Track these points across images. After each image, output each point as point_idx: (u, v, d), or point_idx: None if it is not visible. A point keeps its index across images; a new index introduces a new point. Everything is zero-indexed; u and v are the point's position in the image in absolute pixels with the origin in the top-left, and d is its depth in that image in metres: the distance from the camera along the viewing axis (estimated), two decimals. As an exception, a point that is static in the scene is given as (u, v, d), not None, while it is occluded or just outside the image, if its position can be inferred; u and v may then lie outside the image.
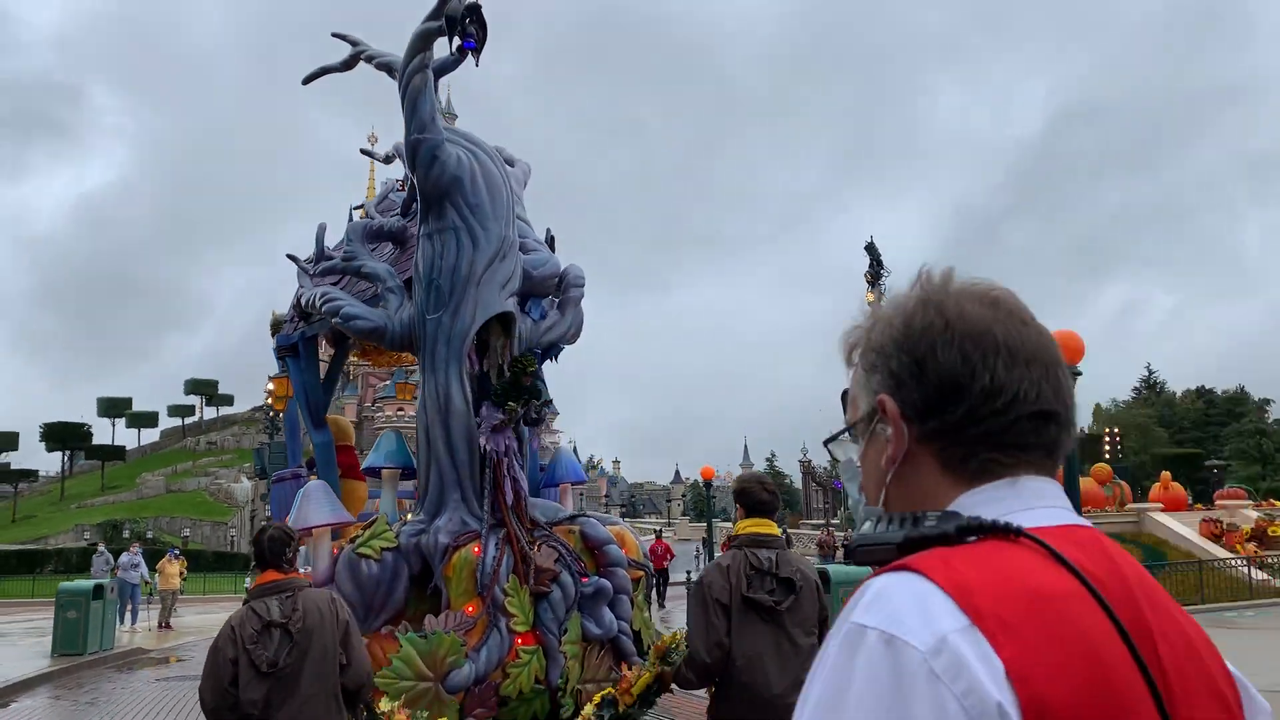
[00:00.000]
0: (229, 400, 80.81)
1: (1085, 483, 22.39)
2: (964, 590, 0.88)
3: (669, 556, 28.40)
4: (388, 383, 76.36)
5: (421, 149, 9.69)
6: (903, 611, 0.88)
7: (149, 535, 50.59)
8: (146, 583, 24.34)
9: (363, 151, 14.31)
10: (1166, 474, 25.49)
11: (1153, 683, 0.88)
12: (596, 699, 5.41)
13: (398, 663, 8.78)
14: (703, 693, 4.67)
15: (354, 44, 11.08)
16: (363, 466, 11.28)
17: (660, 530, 48.98)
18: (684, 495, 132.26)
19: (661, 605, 25.96)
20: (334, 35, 11.28)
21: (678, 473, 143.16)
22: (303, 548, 9.57)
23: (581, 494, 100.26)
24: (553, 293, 11.19)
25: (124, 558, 23.40)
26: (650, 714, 7.94)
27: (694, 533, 77.14)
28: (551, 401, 11.28)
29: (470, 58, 10.23)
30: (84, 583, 17.82)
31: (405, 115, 9.90)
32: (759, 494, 4.47)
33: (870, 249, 24.63)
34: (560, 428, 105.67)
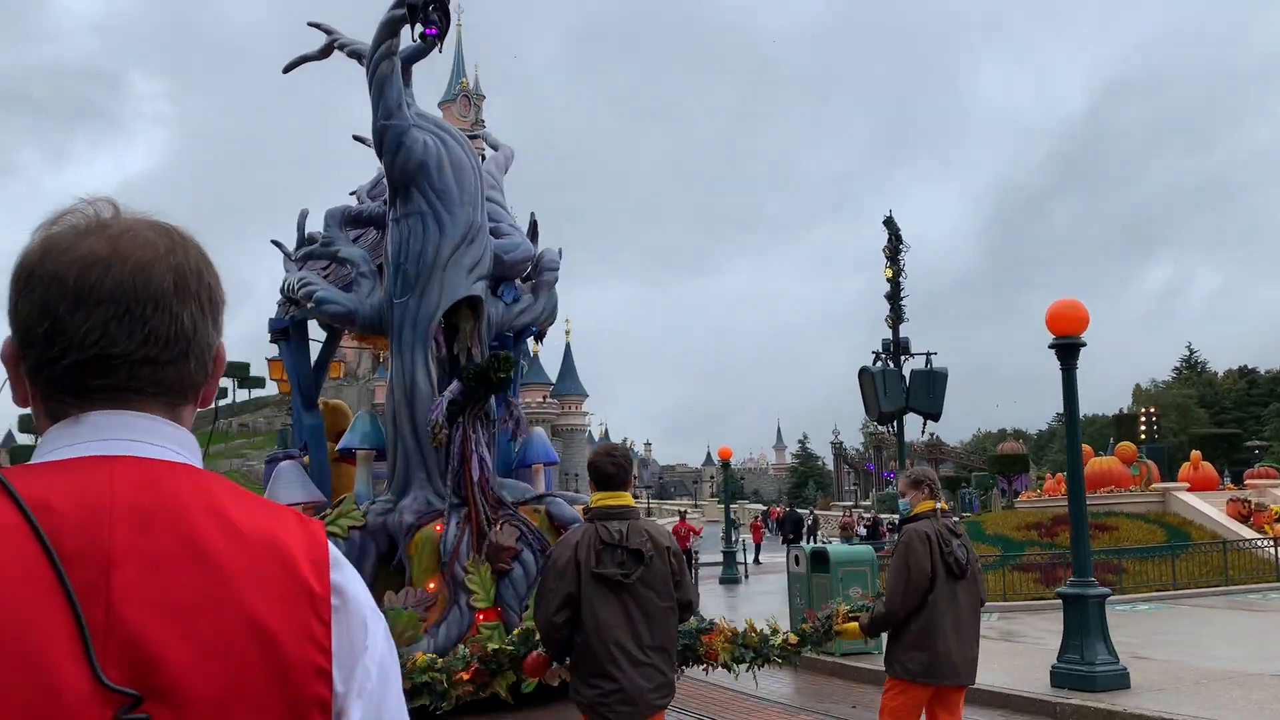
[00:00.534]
0: (260, 383, 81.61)
1: (1108, 461, 21.80)
2: None
3: (691, 537, 28.06)
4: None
5: (388, 135, 9.93)
6: None
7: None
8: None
9: (355, 138, 13.90)
10: (1197, 454, 24.75)
11: (76, 606, 0.91)
12: (515, 632, 5.22)
13: None
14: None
15: (328, 32, 11.33)
16: (338, 448, 11.49)
17: (684, 512, 48.97)
18: (713, 478, 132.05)
19: None
20: (310, 24, 11.53)
21: (709, 455, 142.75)
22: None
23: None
24: (526, 276, 11.22)
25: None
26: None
27: (721, 515, 76.79)
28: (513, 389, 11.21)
29: (439, 45, 10.14)
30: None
31: (372, 101, 10.02)
32: (606, 467, 4.53)
33: (889, 223, 24.07)
34: (591, 410, 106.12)
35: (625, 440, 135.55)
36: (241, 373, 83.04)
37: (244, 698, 0.95)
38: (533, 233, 11.97)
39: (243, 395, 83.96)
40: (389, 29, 9.64)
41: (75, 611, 0.91)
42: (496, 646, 5.09)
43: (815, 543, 41.25)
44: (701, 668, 5.31)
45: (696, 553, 27.67)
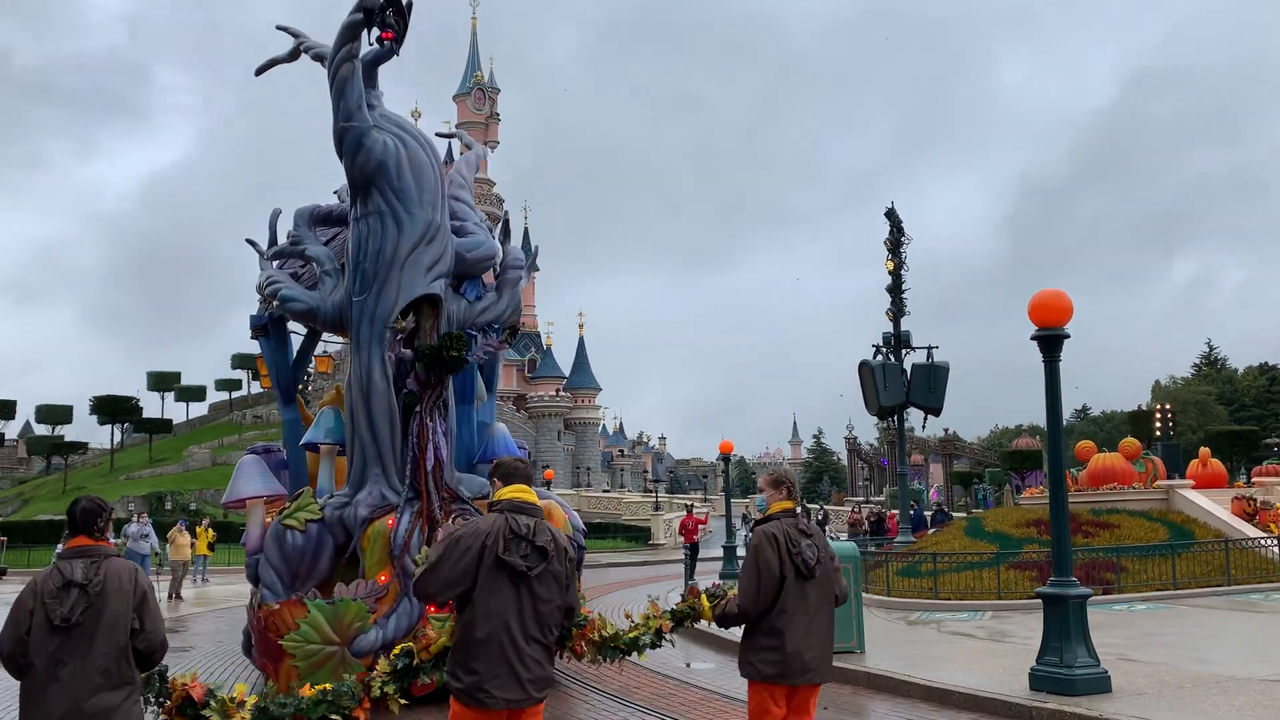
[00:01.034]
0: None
1: (1111, 458, 21.37)
2: None
3: (698, 530, 27.81)
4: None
5: (348, 136, 10.05)
6: None
7: (193, 507, 51.02)
8: (156, 554, 24.31)
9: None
10: (1206, 450, 24.26)
11: None
12: (397, 650, 5.36)
13: (305, 627, 9.24)
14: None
15: (295, 36, 11.42)
16: (301, 442, 11.44)
17: (691, 506, 48.76)
18: (719, 471, 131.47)
19: (690, 577, 25.95)
20: (278, 28, 11.59)
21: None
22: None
23: (619, 469, 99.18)
24: (484, 273, 11.31)
25: (132, 528, 23.38)
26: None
27: (733, 509, 76.45)
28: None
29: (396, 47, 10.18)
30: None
31: (333, 103, 10.10)
32: (510, 464, 4.85)
33: (890, 215, 23.71)
34: (606, 404, 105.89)
35: (640, 434, 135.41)
36: (255, 364, 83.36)
37: None
38: (504, 232, 12.20)
39: (257, 388, 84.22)
40: (349, 33, 9.80)
41: None
42: (380, 685, 5.07)
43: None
44: (565, 658, 5.54)
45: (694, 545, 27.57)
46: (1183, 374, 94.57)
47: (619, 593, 23.27)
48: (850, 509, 50.56)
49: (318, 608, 9.25)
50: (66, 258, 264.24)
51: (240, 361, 79.07)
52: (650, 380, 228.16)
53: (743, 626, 5.42)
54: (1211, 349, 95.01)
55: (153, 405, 77.75)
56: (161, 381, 78.29)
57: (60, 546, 4.82)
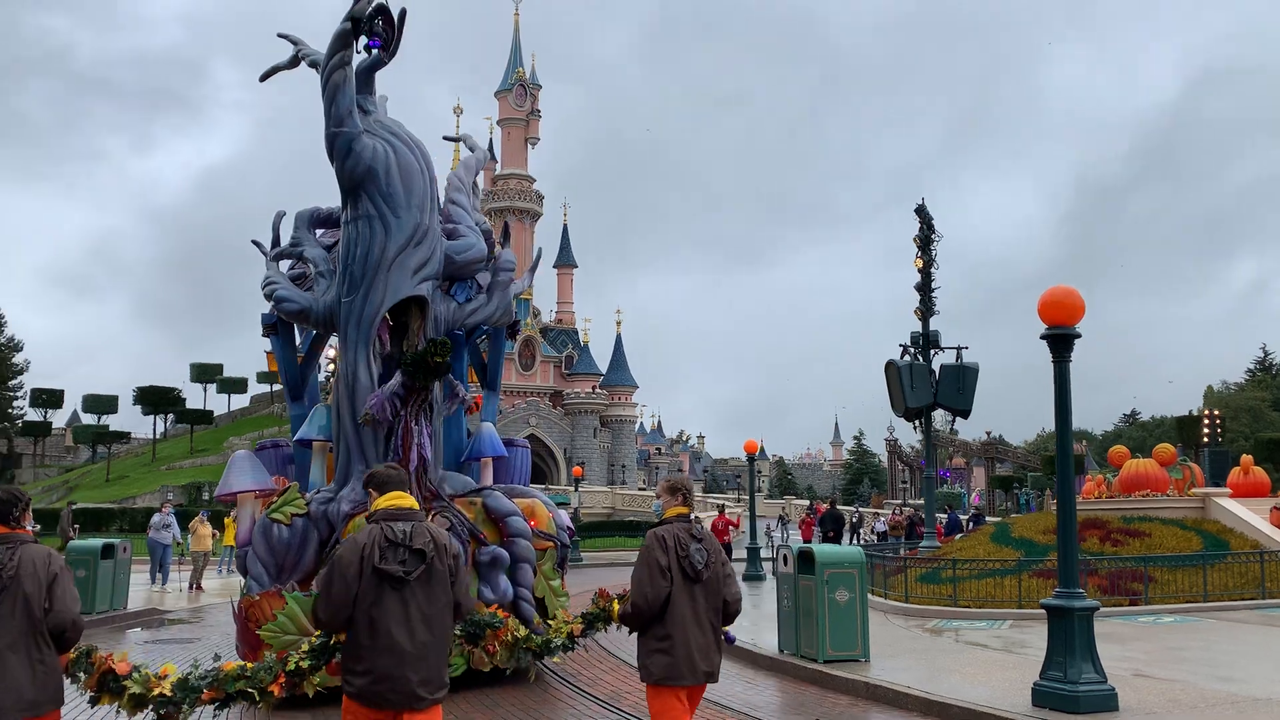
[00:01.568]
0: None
1: (1145, 464, 20.64)
2: None
3: (730, 531, 27.46)
4: (468, 353, 77.14)
5: (338, 141, 10.29)
6: None
7: (228, 498, 51.65)
8: (178, 543, 24.47)
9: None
10: (1248, 458, 23.36)
11: None
12: (319, 630, 5.31)
13: (282, 618, 9.31)
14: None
15: (295, 43, 11.70)
16: (294, 438, 11.77)
17: (723, 506, 48.37)
18: (760, 472, 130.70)
19: None
20: (279, 35, 11.89)
21: (762, 449, 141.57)
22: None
23: (655, 467, 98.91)
24: (475, 275, 11.43)
25: (155, 518, 23.55)
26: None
27: (769, 509, 75.91)
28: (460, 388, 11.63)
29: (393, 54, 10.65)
30: (93, 541, 17.85)
31: (324, 109, 10.31)
32: (383, 473, 4.95)
33: (920, 211, 23.12)
34: (644, 402, 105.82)
35: (680, 433, 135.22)
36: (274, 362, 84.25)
37: None
38: (504, 236, 12.39)
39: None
40: (339, 41, 10.09)
41: None
42: (296, 662, 5.14)
43: (859, 542, 40.39)
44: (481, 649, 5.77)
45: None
46: (1236, 379, 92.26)
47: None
48: (891, 511, 49.76)
49: (295, 599, 9.38)
50: (120, 251, 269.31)
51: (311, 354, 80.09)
52: (691, 378, 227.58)
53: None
54: (1267, 354, 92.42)
55: (195, 397, 78.99)
56: (204, 373, 79.47)
57: None
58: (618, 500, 70.47)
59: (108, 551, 17.39)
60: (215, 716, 6.03)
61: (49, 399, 76.11)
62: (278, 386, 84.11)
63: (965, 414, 21.96)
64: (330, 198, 14.09)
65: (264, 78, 11.90)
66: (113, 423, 77.06)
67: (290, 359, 12.20)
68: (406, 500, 4.84)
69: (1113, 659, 10.91)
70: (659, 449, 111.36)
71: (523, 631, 5.64)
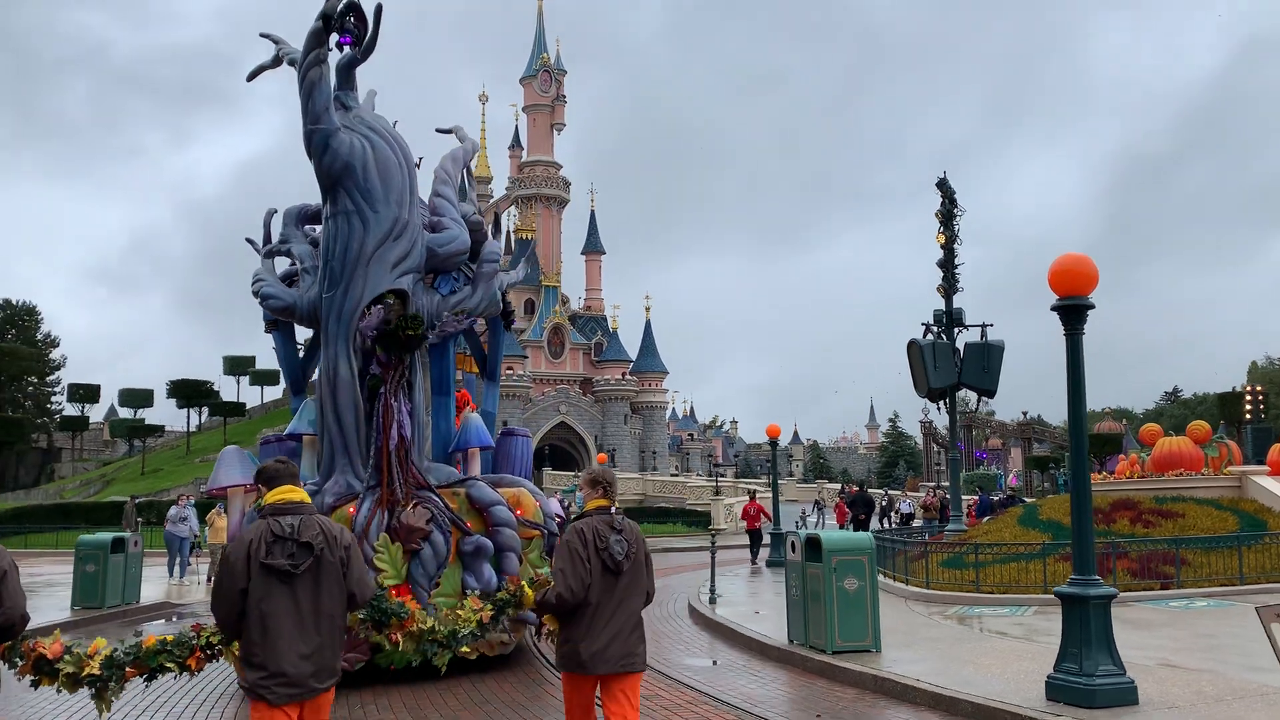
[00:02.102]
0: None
1: (1178, 441, 19.90)
2: None
3: (759, 518, 27.09)
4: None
5: (315, 138, 10.22)
6: None
7: (261, 489, 51.91)
8: (196, 536, 24.38)
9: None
10: (1289, 434, 22.56)
11: None
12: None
13: None
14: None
15: (276, 43, 11.76)
16: (285, 431, 11.88)
17: (754, 492, 47.69)
18: (793, 456, 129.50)
19: (754, 563, 25.68)
20: (261, 35, 11.96)
21: (796, 434, 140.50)
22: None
23: (687, 453, 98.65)
24: (458, 267, 11.54)
25: (172, 510, 23.49)
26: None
27: (801, 494, 75.24)
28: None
29: (372, 51, 10.56)
30: (103, 535, 17.72)
31: (302, 106, 10.24)
32: (272, 468, 4.97)
33: (942, 185, 22.45)
34: (676, 388, 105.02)
35: (714, 418, 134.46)
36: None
37: None
38: (494, 227, 12.59)
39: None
40: (314, 40, 10.14)
41: None
42: (207, 637, 5.27)
43: (890, 525, 39.66)
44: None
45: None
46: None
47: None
48: (925, 493, 48.95)
49: None
50: (159, 246, 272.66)
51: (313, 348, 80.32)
52: (727, 363, 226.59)
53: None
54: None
55: (229, 389, 79.55)
56: (237, 366, 80.00)
57: None
58: (649, 487, 70.12)
59: (117, 545, 17.26)
60: (145, 687, 6.50)
61: (85, 394, 77.00)
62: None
63: (991, 393, 21.33)
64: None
65: (250, 77, 11.94)
66: (149, 416, 77.85)
67: (291, 354, 12.34)
68: (296, 494, 4.86)
69: (1138, 647, 10.37)
70: (691, 435, 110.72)
71: (429, 622, 5.72)
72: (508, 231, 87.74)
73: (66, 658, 5.30)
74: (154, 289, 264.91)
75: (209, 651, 5.14)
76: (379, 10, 10.40)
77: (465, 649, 5.89)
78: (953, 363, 20.75)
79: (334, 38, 10.24)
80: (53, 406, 79.31)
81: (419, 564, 9.75)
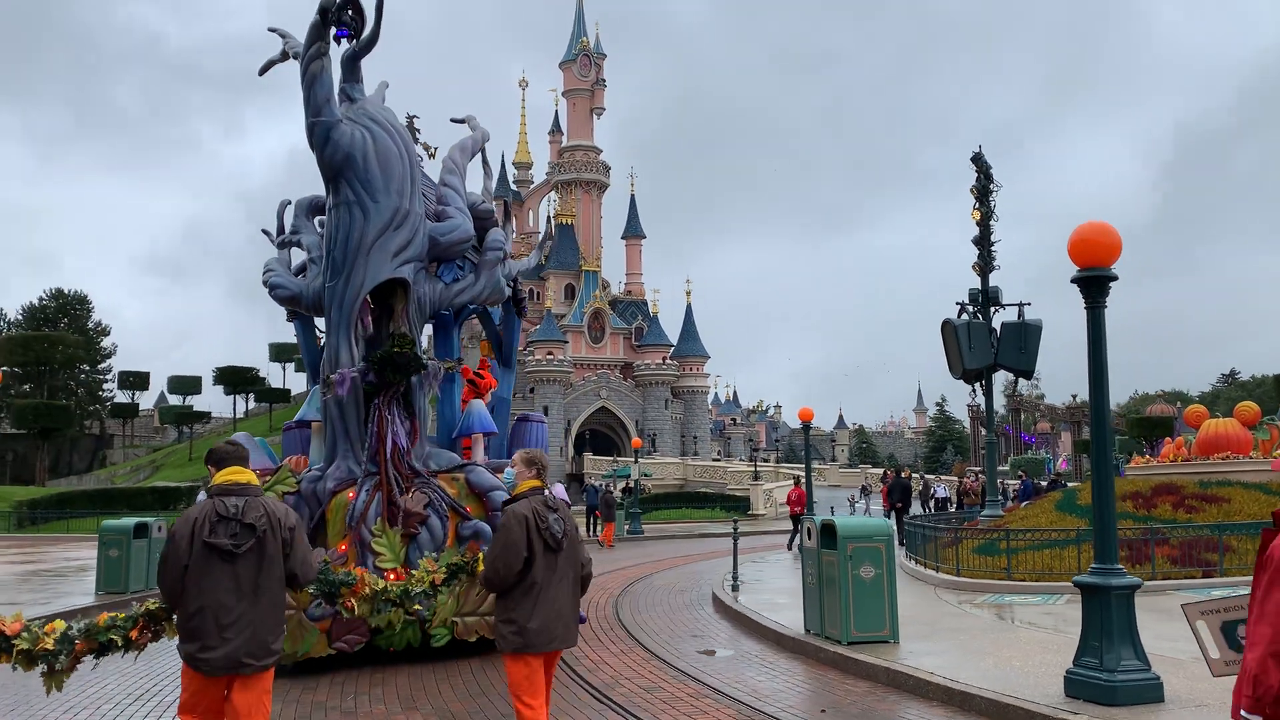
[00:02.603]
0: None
1: (1225, 423, 19.14)
2: None
3: (801, 504, 26.64)
4: (538, 327, 77.18)
5: (316, 130, 10.25)
6: None
7: (303, 475, 52.58)
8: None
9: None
10: (1343, 415, 21.63)
11: None
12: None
13: None
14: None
15: (283, 37, 11.75)
16: (295, 419, 12.14)
17: (799, 478, 47.04)
18: (837, 441, 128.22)
19: (789, 549, 25.44)
20: (270, 30, 11.93)
21: (841, 418, 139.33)
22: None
23: (729, 437, 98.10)
24: (461, 255, 11.73)
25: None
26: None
27: (845, 479, 74.31)
28: (461, 361, 12.45)
29: (375, 43, 10.78)
30: (126, 521, 17.76)
31: (304, 98, 10.27)
32: (221, 450, 5.11)
33: (977, 160, 21.75)
34: (719, 372, 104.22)
35: (758, 403, 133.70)
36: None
37: None
38: (505, 215, 12.47)
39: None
40: (314, 33, 10.27)
41: None
42: (149, 608, 5.42)
43: (930, 512, 38.89)
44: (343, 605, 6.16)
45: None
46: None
47: (668, 570, 22.32)
48: (968, 477, 48.06)
49: None
50: (213, 235, 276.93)
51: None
52: (772, 347, 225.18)
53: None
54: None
55: (275, 376, 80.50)
56: (282, 353, 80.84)
57: None
58: (690, 471, 69.77)
59: (140, 531, 17.30)
60: (94, 665, 6.69)
61: (136, 381, 78.35)
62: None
63: (1028, 374, 20.66)
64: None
65: (262, 72, 12.00)
66: (197, 403, 79.08)
67: (311, 342, 12.54)
68: (244, 475, 4.98)
69: (1172, 639, 9.84)
70: (734, 419, 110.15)
71: (380, 584, 5.91)
72: (548, 217, 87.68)
73: (24, 635, 5.36)
74: (206, 278, 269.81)
75: (152, 624, 5.25)
76: (380, 4, 10.48)
77: (459, 627, 6.51)
78: (988, 343, 20.10)
79: (331, 31, 10.34)
80: (104, 394, 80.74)
81: (416, 547, 9.91)
